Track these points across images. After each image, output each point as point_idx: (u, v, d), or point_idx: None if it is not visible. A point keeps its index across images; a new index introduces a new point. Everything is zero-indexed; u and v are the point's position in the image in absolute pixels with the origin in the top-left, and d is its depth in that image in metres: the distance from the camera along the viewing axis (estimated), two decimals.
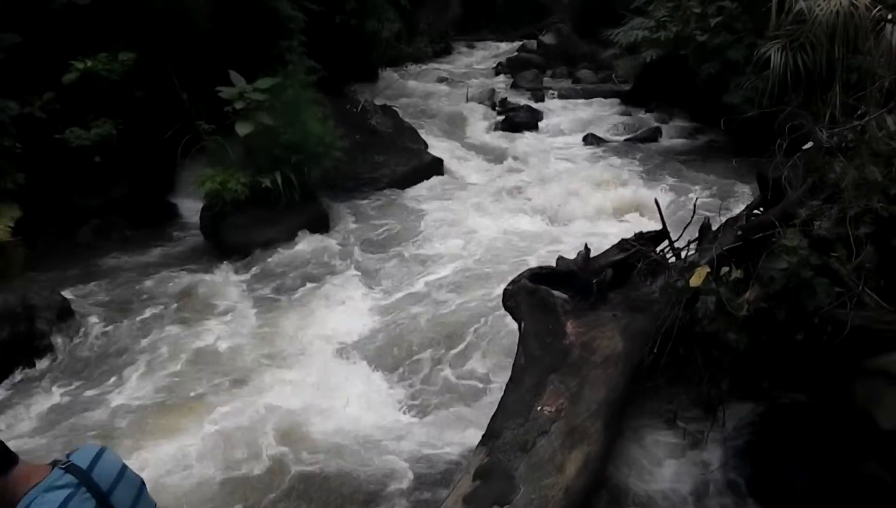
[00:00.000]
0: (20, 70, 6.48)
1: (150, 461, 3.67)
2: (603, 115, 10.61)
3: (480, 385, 4.41)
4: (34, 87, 6.58)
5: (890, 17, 5.21)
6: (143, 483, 2.02)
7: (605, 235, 5.42)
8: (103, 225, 6.87)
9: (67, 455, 1.90)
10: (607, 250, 4.22)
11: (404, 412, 4.26)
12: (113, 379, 4.62)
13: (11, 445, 1.86)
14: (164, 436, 3.91)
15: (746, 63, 7.65)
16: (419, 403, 4.33)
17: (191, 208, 7.29)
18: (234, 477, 3.61)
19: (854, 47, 6.39)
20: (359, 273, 6.06)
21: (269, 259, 6.33)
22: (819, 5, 6.75)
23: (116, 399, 4.38)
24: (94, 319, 5.20)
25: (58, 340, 4.90)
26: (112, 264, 6.27)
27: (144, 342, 4.93)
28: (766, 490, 3.13)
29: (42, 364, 4.77)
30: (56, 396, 4.49)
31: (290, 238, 6.61)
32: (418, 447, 3.84)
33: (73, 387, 4.60)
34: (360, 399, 4.33)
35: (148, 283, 5.81)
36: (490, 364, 4.55)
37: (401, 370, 4.65)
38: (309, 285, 5.87)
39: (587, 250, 4.19)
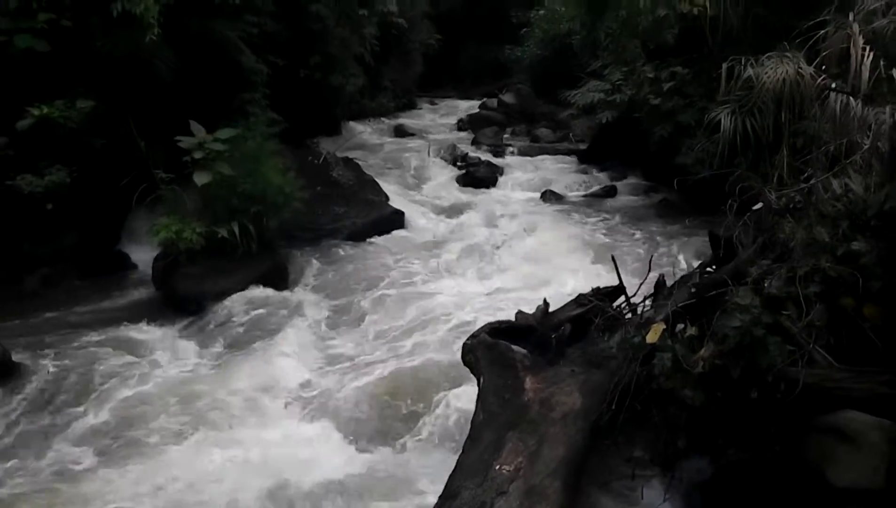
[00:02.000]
0: None
1: None
2: (560, 172, 10.86)
3: (436, 443, 4.31)
4: None
5: (833, 85, 5.49)
6: None
7: (563, 289, 5.46)
8: (52, 274, 6.65)
9: None
10: (565, 305, 4.24)
11: (355, 469, 4.11)
12: (52, 438, 4.37)
13: None
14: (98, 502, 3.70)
15: (698, 126, 7.93)
16: (371, 460, 4.20)
17: (144, 257, 7.12)
18: None
19: (800, 113, 6.69)
20: (315, 327, 5.97)
21: (223, 311, 6.18)
22: (766, 73, 7.07)
23: (53, 461, 4.15)
24: (35, 373, 4.95)
25: None
26: (59, 315, 6.03)
27: (89, 400, 4.70)
28: None
29: None
30: None
31: (245, 289, 6.47)
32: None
33: (7, 443, 4.36)
34: (309, 456, 4.18)
35: (94, 337, 5.58)
36: (445, 423, 4.45)
37: (352, 426, 4.52)
38: (263, 339, 5.73)
39: (546, 304, 4.21)
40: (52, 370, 5.06)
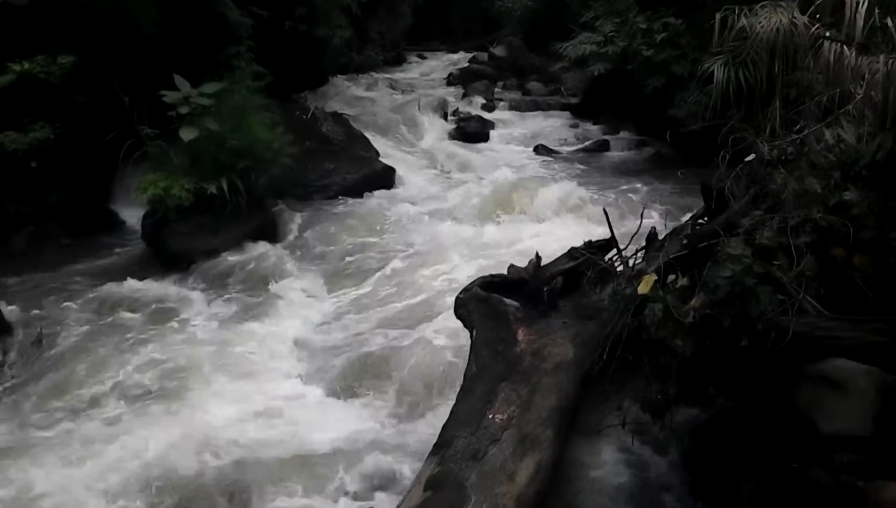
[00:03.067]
0: None
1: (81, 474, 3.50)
2: (552, 126, 10.77)
3: (430, 398, 4.34)
4: None
5: (827, 34, 5.42)
6: None
7: (556, 242, 5.45)
8: (39, 232, 6.59)
9: None
10: (557, 259, 4.25)
11: (353, 424, 4.15)
12: (48, 396, 4.36)
13: None
14: (96, 453, 3.74)
15: (690, 78, 7.85)
16: (368, 415, 4.23)
17: (132, 215, 7.08)
18: None
19: (793, 64, 6.61)
20: (306, 283, 5.96)
21: (214, 268, 6.16)
22: (760, 23, 6.96)
23: (53, 417, 4.16)
24: (26, 330, 4.95)
25: None
26: (48, 272, 5.99)
27: (82, 357, 4.69)
28: (713, 495, 3.17)
29: None
30: None
31: (235, 246, 6.44)
32: (369, 459, 3.75)
33: (6, 401, 4.37)
34: (303, 412, 4.22)
35: (85, 294, 5.56)
36: (439, 378, 4.48)
37: (347, 381, 4.54)
38: (254, 294, 5.75)
39: (538, 258, 4.21)
40: (41, 327, 5.04)
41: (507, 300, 3.89)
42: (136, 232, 6.78)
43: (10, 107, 6.37)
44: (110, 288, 5.71)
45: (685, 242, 3.77)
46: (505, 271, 4.26)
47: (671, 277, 3.31)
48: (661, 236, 4.20)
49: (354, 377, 4.57)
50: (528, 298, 3.95)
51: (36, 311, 5.29)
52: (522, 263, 4.27)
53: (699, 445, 3.37)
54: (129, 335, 5.04)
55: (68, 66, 6.40)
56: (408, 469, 3.59)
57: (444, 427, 3.23)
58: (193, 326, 5.28)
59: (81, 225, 6.85)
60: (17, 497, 3.44)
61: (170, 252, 6.35)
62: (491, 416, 3.15)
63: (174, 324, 5.28)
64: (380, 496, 3.52)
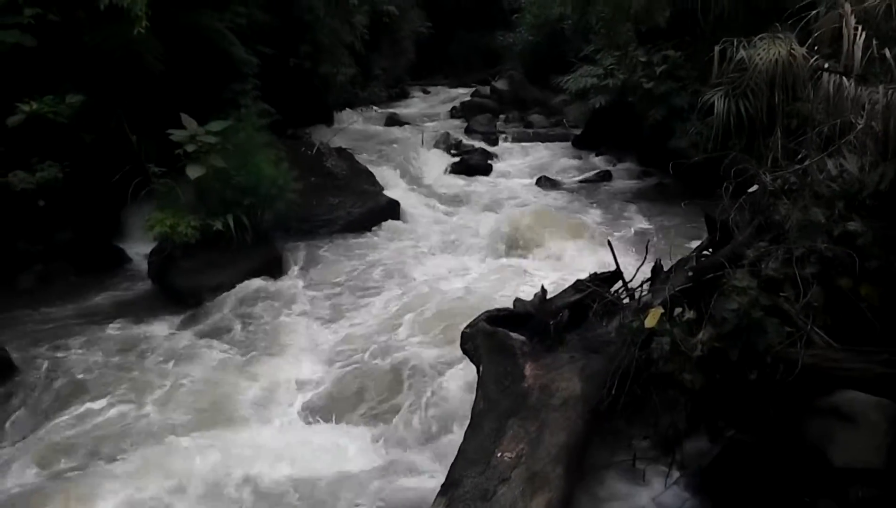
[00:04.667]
0: None
1: None
2: (555, 158, 10.85)
3: (437, 431, 4.31)
4: None
5: (826, 65, 5.47)
6: None
7: (561, 274, 5.46)
8: (47, 271, 6.62)
9: None
10: (563, 291, 4.25)
11: (361, 460, 4.11)
12: (49, 440, 4.30)
13: None
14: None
15: (691, 109, 7.92)
16: (375, 451, 4.18)
17: (139, 252, 7.12)
18: None
19: (793, 95, 6.67)
20: (312, 319, 5.94)
21: (220, 304, 6.15)
22: (759, 55, 7.05)
23: (50, 465, 4.09)
24: (30, 371, 4.93)
25: None
26: (55, 312, 5.99)
27: (85, 400, 4.64)
28: None
29: None
30: None
31: (241, 281, 6.43)
32: (378, 496, 3.73)
33: (5, 448, 4.33)
34: (313, 448, 4.18)
35: (91, 334, 5.54)
36: (446, 412, 4.46)
37: (354, 418, 4.51)
38: (261, 331, 5.71)
39: (543, 291, 4.21)
40: (47, 367, 5.02)
41: (514, 334, 3.88)
42: (143, 269, 6.80)
43: (19, 146, 6.46)
44: (116, 327, 5.71)
45: (690, 274, 3.77)
46: (510, 305, 4.26)
47: (678, 310, 3.30)
48: (666, 268, 4.20)
49: (358, 409, 4.55)
50: (534, 331, 3.94)
51: (41, 350, 5.28)
52: (528, 296, 4.27)
53: (710, 478, 3.33)
54: (133, 375, 5.00)
55: (76, 105, 6.51)
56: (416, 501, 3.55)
57: (452, 466, 3.20)
58: (199, 366, 5.22)
59: (89, 262, 6.88)
60: None
61: (176, 289, 6.37)
62: (500, 454, 3.12)
63: (180, 363, 5.23)
64: None
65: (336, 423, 4.48)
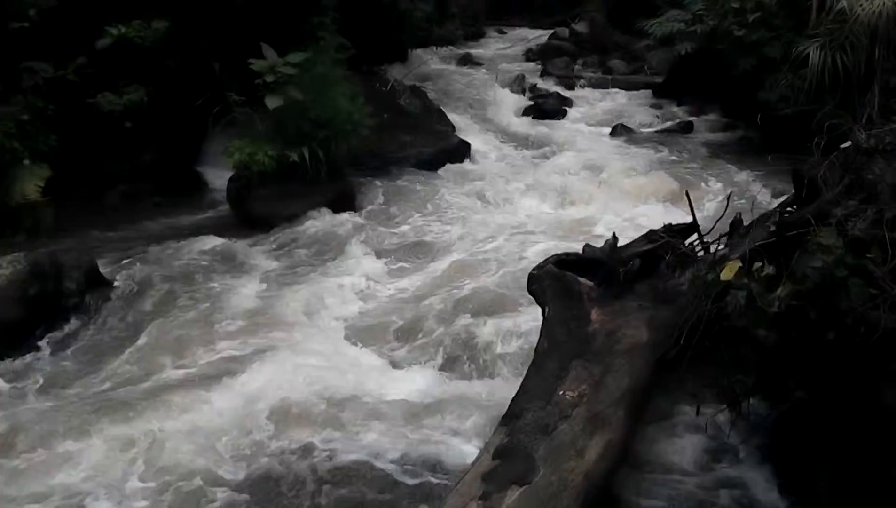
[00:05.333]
0: (55, 34, 6.54)
1: (166, 429, 3.71)
2: (634, 106, 10.50)
3: (497, 369, 4.38)
4: (68, 51, 6.63)
5: None
6: None
7: (633, 224, 5.37)
8: (132, 190, 6.96)
9: None
10: (635, 241, 4.19)
11: (417, 392, 4.22)
12: (135, 344, 4.64)
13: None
14: (181, 404, 3.93)
15: (783, 60, 7.53)
16: (427, 380, 4.32)
17: (218, 177, 7.35)
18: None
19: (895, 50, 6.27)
20: (379, 252, 6.07)
21: (292, 233, 6.37)
22: (861, 5, 6.61)
23: (136, 365, 4.42)
24: (120, 281, 5.25)
25: (85, 300, 4.97)
26: (139, 229, 6.34)
27: (167, 308, 4.97)
28: (789, 487, 3.10)
29: (68, 323, 4.84)
30: (77, 356, 4.56)
31: (313, 213, 6.62)
32: (432, 428, 3.83)
33: (96, 349, 4.66)
34: (369, 376, 4.33)
35: (173, 250, 5.84)
36: (508, 349, 4.52)
37: (413, 351, 4.64)
38: (329, 260, 5.90)
39: (614, 238, 4.15)
40: (133, 280, 5.33)
41: (582, 279, 3.86)
42: (220, 194, 7.05)
43: (107, 69, 6.70)
44: (195, 246, 5.97)
45: (773, 229, 3.64)
46: (580, 250, 4.23)
47: (756, 264, 3.21)
48: (746, 223, 4.07)
49: (412, 340, 4.69)
50: (602, 278, 3.91)
51: (127, 264, 5.59)
52: (597, 244, 4.23)
53: (775, 437, 3.30)
54: (209, 288, 5.29)
55: (162, 31, 6.68)
56: (461, 436, 3.68)
57: (513, 400, 3.27)
58: (269, 284, 5.47)
59: (171, 185, 7.18)
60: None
61: (251, 215, 6.61)
62: (562, 393, 3.16)
63: (253, 282, 5.48)
64: (437, 456, 3.59)
65: (389, 350, 4.63)
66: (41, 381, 4.28)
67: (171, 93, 6.99)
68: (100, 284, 5.16)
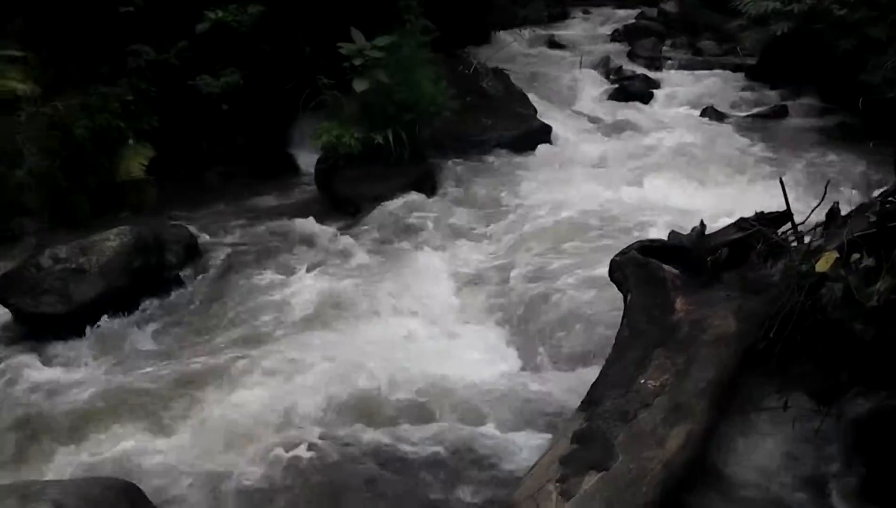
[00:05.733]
0: (158, 17, 6.88)
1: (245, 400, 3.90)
2: (725, 88, 10.10)
3: (574, 354, 4.38)
4: (169, 34, 6.97)
5: None
6: None
7: (721, 211, 5.21)
8: (228, 171, 7.29)
9: None
10: (724, 228, 4.08)
11: (507, 363, 4.35)
12: (226, 317, 4.91)
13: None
14: (261, 379, 4.13)
15: (889, 42, 7.09)
16: (511, 362, 4.40)
17: (306, 159, 7.60)
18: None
19: None
20: (462, 233, 6.12)
21: (377, 214, 6.50)
22: None
23: (225, 338, 4.67)
24: (217, 256, 5.56)
25: (185, 273, 5.29)
26: (234, 208, 6.65)
27: (261, 283, 5.22)
28: (881, 493, 2.99)
29: (169, 295, 5.15)
30: (173, 326, 4.86)
31: (396, 194, 6.72)
32: (515, 408, 3.89)
33: (190, 319, 4.95)
34: (452, 360, 4.41)
35: (266, 228, 6.13)
36: (590, 336, 4.51)
37: (492, 331, 4.71)
38: (413, 242, 5.99)
39: (702, 225, 4.06)
40: (226, 253, 5.66)
41: (666, 267, 3.80)
42: (309, 176, 7.28)
43: (206, 53, 7.01)
44: (284, 224, 6.23)
45: (873, 219, 3.47)
46: (665, 237, 4.16)
47: (855, 256, 3.08)
48: (844, 213, 3.89)
49: (497, 322, 4.75)
50: (688, 266, 3.83)
51: (222, 240, 5.90)
52: (682, 231, 4.14)
53: (866, 437, 3.17)
54: (297, 267, 5.49)
55: (257, 15, 6.92)
56: (548, 417, 3.72)
57: (593, 386, 3.27)
58: (354, 265, 5.62)
59: (263, 167, 7.48)
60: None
61: (338, 196, 6.80)
62: (643, 381, 3.14)
63: (338, 262, 5.64)
64: (520, 435, 3.65)
65: (474, 332, 4.69)
66: (139, 348, 4.61)
67: (265, 76, 7.25)
68: (197, 258, 5.49)
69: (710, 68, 11.10)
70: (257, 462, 3.49)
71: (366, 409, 3.87)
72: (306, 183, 7.30)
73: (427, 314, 4.92)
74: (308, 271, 5.41)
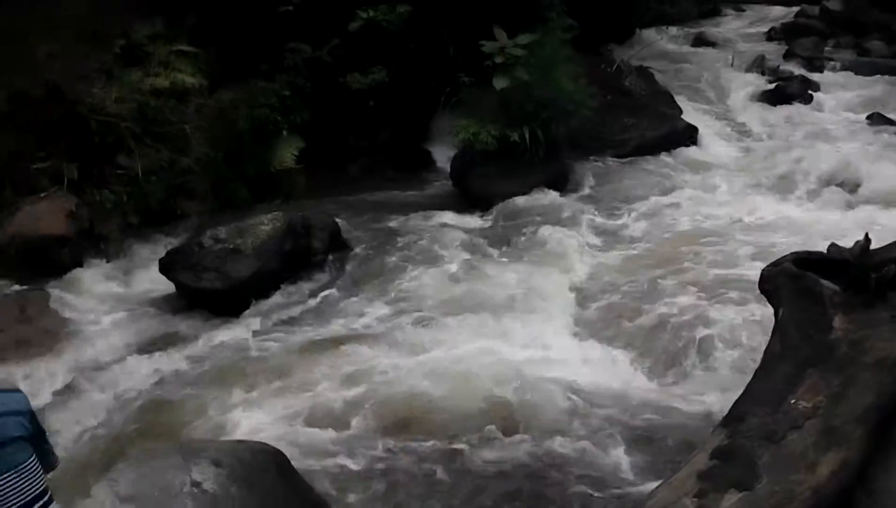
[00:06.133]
0: (313, 16, 7.27)
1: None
2: (894, 93, 9.24)
3: (716, 363, 4.19)
4: (324, 33, 7.35)
5: None
6: (18, 443, 1.67)
7: (888, 227, 4.79)
8: (370, 164, 7.62)
9: None
10: (891, 244, 3.74)
11: (631, 377, 4.23)
12: (369, 300, 5.15)
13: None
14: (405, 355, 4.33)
15: None
16: (649, 370, 4.28)
17: (442, 155, 7.77)
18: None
19: None
20: (594, 236, 6.04)
21: (509, 211, 6.55)
22: None
23: (369, 318, 4.92)
24: (358, 244, 5.87)
25: (329, 257, 5.61)
26: (374, 199, 6.95)
27: (397, 272, 5.43)
28: None
29: (314, 276, 5.47)
30: (321, 309, 5.13)
31: (530, 192, 6.75)
32: (646, 414, 3.80)
33: (336, 302, 5.21)
34: (582, 357, 4.40)
35: (403, 219, 6.38)
36: (724, 352, 4.29)
37: (628, 337, 4.57)
38: (543, 241, 5.93)
39: (867, 239, 3.74)
40: (367, 241, 5.95)
41: (824, 282, 3.54)
42: (444, 171, 7.45)
43: (356, 51, 7.32)
44: (420, 216, 6.46)
45: None
46: (823, 250, 3.87)
47: None
48: None
49: (623, 331, 4.61)
50: (849, 282, 3.55)
51: (363, 231, 6.17)
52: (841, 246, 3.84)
53: None
54: (430, 259, 5.64)
55: (405, 14, 7.15)
56: (675, 431, 3.61)
57: (736, 402, 3.11)
58: (484, 260, 5.70)
59: (402, 161, 7.76)
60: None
61: (472, 192, 6.90)
62: (793, 401, 2.94)
63: (469, 257, 5.73)
64: (644, 448, 3.57)
65: (593, 337, 4.60)
66: (286, 323, 4.94)
67: (409, 74, 7.47)
68: (340, 245, 5.81)
69: (879, 71, 10.16)
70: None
71: (496, 414, 3.85)
72: (442, 178, 7.48)
73: (551, 316, 4.86)
74: (439, 263, 5.55)
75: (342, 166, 7.50)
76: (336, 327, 4.82)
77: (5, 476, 1.59)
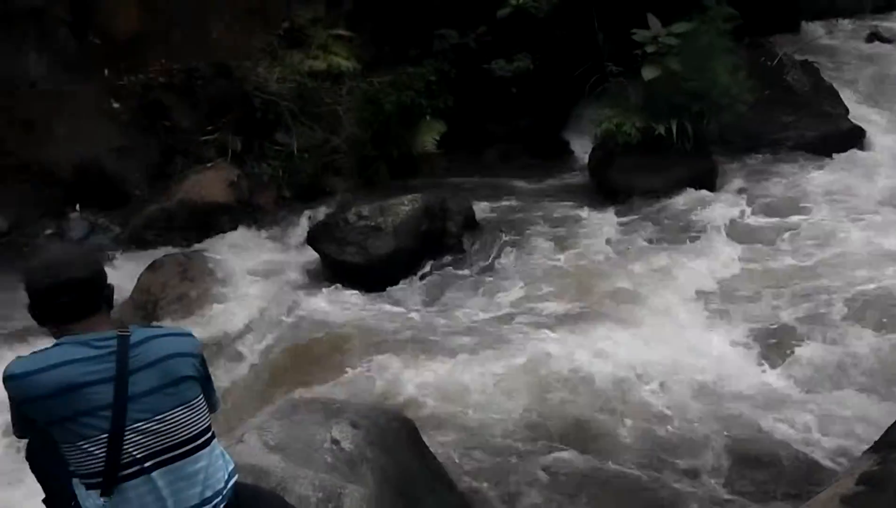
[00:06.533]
0: (463, 3, 7.37)
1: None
2: None
3: (866, 386, 3.91)
4: (471, 19, 7.43)
5: None
6: (189, 381, 1.81)
7: None
8: (507, 150, 7.65)
9: (141, 326, 1.93)
10: None
11: (773, 385, 4.02)
12: (498, 285, 5.21)
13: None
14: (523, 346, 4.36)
15: None
16: (789, 380, 4.05)
17: (580, 145, 7.65)
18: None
19: None
20: (740, 239, 5.71)
21: (648, 207, 6.34)
22: None
23: (500, 302, 5.01)
24: (491, 229, 5.93)
25: (463, 240, 5.73)
26: (510, 185, 6.99)
27: (530, 259, 5.47)
28: None
29: (448, 258, 5.61)
30: (454, 289, 5.27)
31: (672, 190, 6.47)
32: (785, 424, 3.62)
33: (464, 283, 5.33)
34: (720, 361, 4.23)
35: (537, 207, 6.38)
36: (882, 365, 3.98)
37: (768, 347, 4.34)
38: (683, 241, 5.74)
39: None
40: (498, 225, 6.01)
41: None
42: (582, 162, 7.34)
43: (502, 38, 7.35)
44: (552, 205, 6.45)
45: None
46: None
47: None
48: None
49: (758, 337, 4.42)
50: None
51: (496, 216, 6.26)
52: None
53: None
54: (563, 249, 5.62)
55: (555, 1, 7.06)
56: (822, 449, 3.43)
57: (890, 428, 2.89)
58: (620, 255, 5.58)
59: (539, 149, 7.73)
60: None
61: (610, 185, 6.74)
62: None
63: (603, 250, 5.66)
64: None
65: (729, 340, 4.42)
66: (425, 302, 5.14)
67: (554, 62, 7.40)
68: (474, 228, 5.92)
69: None
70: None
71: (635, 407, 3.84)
72: (579, 168, 7.38)
73: (692, 317, 4.72)
74: (570, 256, 5.51)
75: (479, 151, 7.58)
76: (473, 308, 4.94)
77: (179, 408, 1.77)
